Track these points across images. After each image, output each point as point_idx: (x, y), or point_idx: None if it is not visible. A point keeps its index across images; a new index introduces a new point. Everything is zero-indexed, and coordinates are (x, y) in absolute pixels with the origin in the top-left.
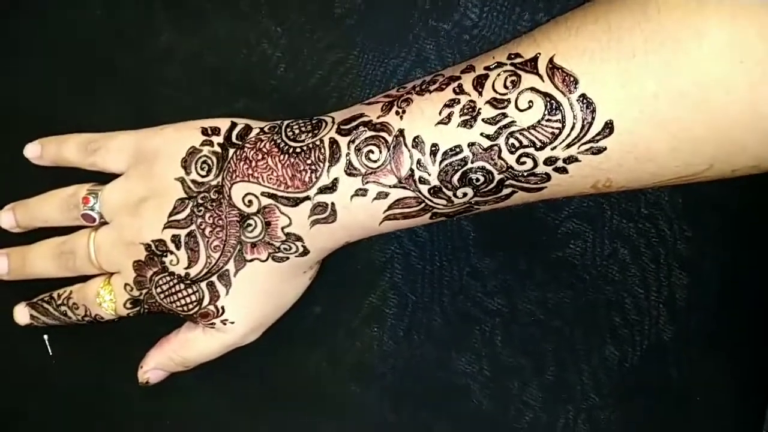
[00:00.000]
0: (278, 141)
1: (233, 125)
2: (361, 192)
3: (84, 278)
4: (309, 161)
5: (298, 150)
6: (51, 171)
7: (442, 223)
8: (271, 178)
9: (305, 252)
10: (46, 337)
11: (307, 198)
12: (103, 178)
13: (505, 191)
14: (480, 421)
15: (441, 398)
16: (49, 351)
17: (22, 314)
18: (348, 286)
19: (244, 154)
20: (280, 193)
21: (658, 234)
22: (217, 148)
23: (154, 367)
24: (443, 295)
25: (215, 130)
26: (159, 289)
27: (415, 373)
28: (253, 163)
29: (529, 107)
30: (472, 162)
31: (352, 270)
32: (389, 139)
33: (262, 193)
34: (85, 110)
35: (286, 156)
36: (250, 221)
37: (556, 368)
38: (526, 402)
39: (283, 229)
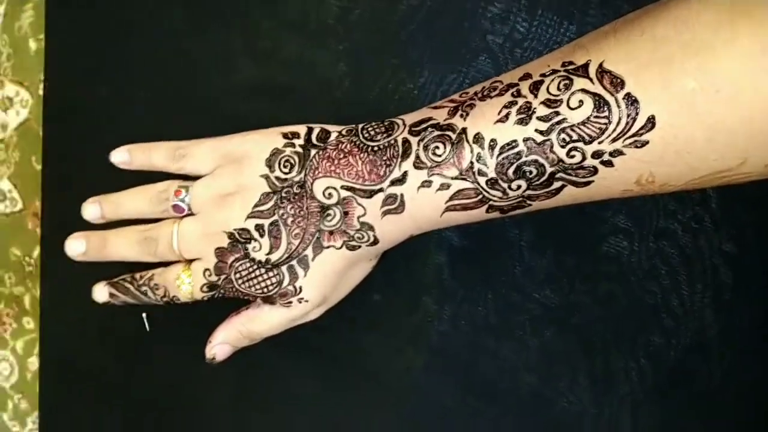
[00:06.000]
0: (357, 141)
1: (310, 129)
2: (426, 183)
3: (161, 264)
4: (385, 157)
5: (376, 148)
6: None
7: (494, 225)
8: (351, 173)
9: (375, 241)
10: (144, 315)
11: (381, 190)
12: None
13: (555, 185)
14: (527, 408)
15: (490, 385)
16: (147, 327)
17: (100, 293)
18: (405, 278)
19: (327, 153)
20: (357, 186)
21: (705, 233)
22: (299, 149)
23: (222, 341)
24: (495, 289)
25: (295, 134)
26: (238, 275)
27: (466, 360)
28: (336, 161)
29: (580, 106)
30: (526, 156)
31: (410, 265)
32: (453, 136)
33: (342, 187)
34: (167, 117)
35: (366, 154)
36: (330, 211)
37: (602, 361)
38: (574, 392)
39: (358, 218)
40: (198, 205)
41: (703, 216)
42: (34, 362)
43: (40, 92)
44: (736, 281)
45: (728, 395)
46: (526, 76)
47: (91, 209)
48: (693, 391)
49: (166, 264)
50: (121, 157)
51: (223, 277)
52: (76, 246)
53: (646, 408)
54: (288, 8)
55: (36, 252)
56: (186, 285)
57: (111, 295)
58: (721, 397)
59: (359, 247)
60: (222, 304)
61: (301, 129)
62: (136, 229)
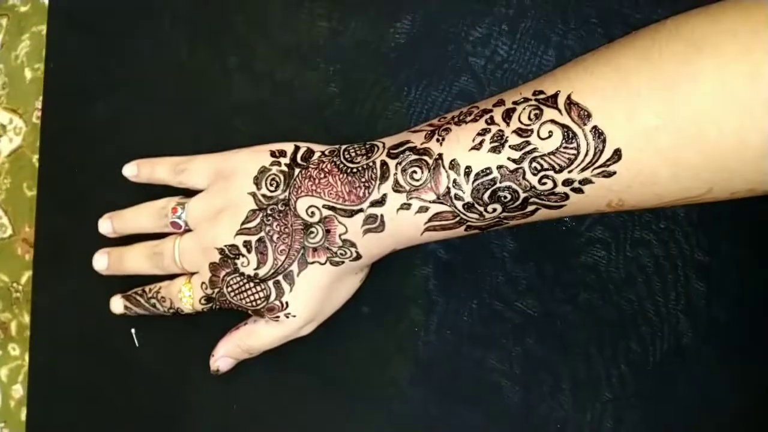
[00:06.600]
0: (338, 162)
1: (297, 148)
2: (405, 206)
3: (173, 276)
4: (363, 179)
5: (355, 170)
6: (141, 187)
7: (478, 237)
8: (331, 193)
9: (358, 257)
10: (133, 330)
11: (361, 210)
12: (178, 192)
13: (530, 208)
14: (511, 415)
15: (475, 393)
16: (136, 343)
17: (116, 305)
18: (393, 290)
19: (309, 173)
20: (338, 206)
21: (676, 244)
22: (284, 168)
23: (223, 354)
24: (479, 298)
25: (282, 153)
26: (229, 288)
27: (452, 369)
28: (317, 181)
29: (549, 136)
30: (500, 182)
31: (397, 277)
32: (430, 161)
33: (323, 206)
34: (167, 129)
35: (345, 175)
36: (313, 229)
37: (584, 367)
38: (556, 398)
39: (340, 236)
40: (193, 221)
41: (675, 227)
42: (18, 390)
43: (35, 120)
44: (708, 290)
45: (707, 401)
46: (500, 102)
47: (104, 225)
48: (672, 397)
49: (173, 277)
50: (130, 170)
51: (217, 290)
52: (101, 261)
53: (628, 412)
54: (281, 31)
55: (24, 278)
56: (186, 297)
57: (125, 307)
58: (701, 403)
59: (343, 262)
60: (215, 319)
61: (289, 147)
62: (146, 244)
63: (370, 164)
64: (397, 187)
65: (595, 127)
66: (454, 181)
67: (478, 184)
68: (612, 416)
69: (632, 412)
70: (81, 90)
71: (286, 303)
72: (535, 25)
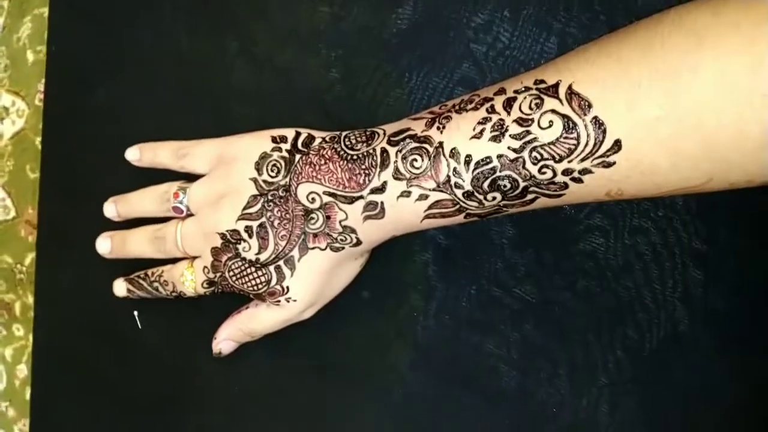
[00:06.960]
0: (338, 149)
1: (298, 134)
2: (405, 193)
3: (176, 260)
4: (364, 166)
5: (355, 157)
6: (143, 171)
7: (477, 224)
8: (331, 180)
9: (358, 243)
10: (136, 312)
11: (361, 197)
12: (181, 177)
13: (529, 196)
14: (509, 400)
15: (474, 378)
16: (139, 325)
17: (119, 288)
18: (393, 276)
19: (309, 159)
20: (339, 193)
21: (674, 232)
22: (285, 154)
23: (225, 338)
24: (478, 285)
25: (283, 138)
26: (231, 272)
27: (451, 354)
28: (317, 167)
29: (550, 126)
30: (500, 171)
31: (397, 263)
32: (430, 150)
33: (324, 192)
34: (168, 118)
35: (345, 162)
36: (313, 215)
37: (581, 353)
38: (553, 383)
39: (340, 222)
40: (195, 206)
41: (674, 215)
42: (22, 369)
43: (37, 102)
44: (705, 278)
45: (703, 388)
46: (501, 91)
47: (109, 208)
48: (668, 383)
49: (176, 260)
50: (133, 154)
51: (218, 274)
52: (104, 245)
53: (624, 398)
54: (281, 16)
55: (27, 260)
56: (188, 281)
57: (128, 290)
58: (696, 390)
59: (343, 248)
60: (217, 302)
61: (290, 133)
62: (149, 228)
63: (371, 151)
64: (397, 175)
65: (595, 118)
66: (455, 169)
67: (478, 173)
68: (608, 401)
69: (628, 398)
70: (83, 73)
71: (287, 287)
72: (537, 12)
